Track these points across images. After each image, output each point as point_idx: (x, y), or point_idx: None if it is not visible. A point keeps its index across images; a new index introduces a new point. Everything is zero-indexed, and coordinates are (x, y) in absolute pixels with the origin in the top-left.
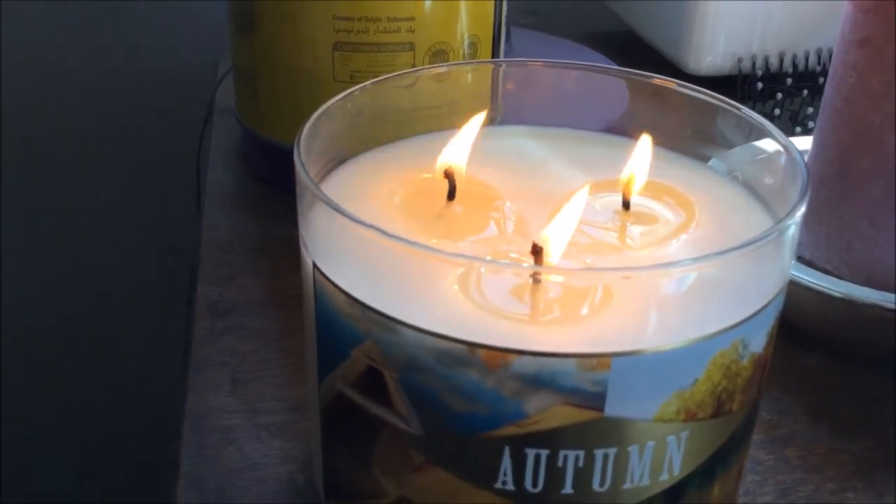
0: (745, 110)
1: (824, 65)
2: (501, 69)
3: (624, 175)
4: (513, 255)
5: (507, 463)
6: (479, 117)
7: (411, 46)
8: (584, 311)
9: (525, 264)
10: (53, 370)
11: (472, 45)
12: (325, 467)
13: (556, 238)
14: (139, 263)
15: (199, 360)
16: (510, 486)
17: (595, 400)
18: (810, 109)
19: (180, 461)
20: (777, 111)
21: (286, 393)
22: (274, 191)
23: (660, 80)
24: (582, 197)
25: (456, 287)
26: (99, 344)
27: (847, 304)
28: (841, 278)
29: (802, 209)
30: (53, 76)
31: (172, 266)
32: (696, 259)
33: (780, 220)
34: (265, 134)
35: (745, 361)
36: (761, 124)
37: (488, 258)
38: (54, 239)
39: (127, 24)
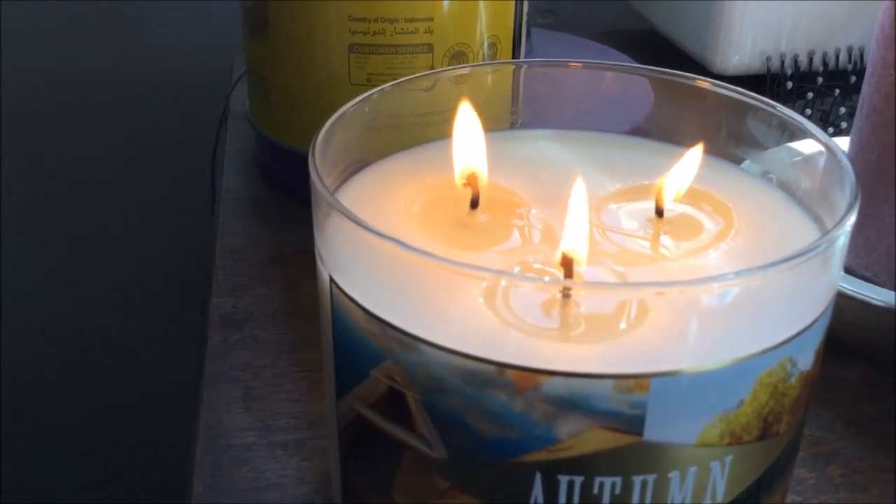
0: (781, 108)
1: (855, 63)
2: (523, 70)
3: (662, 181)
4: (537, 265)
5: (538, 490)
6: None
7: (430, 48)
8: (620, 326)
9: (555, 278)
10: (63, 380)
11: (492, 45)
12: (344, 491)
13: (578, 245)
14: (154, 271)
15: (212, 374)
16: None
17: (633, 423)
18: (842, 109)
19: (193, 481)
20: (808, 111)
21: (302, 409)
22: (288, 197)
23: (694, 79)
24: (581, 191)
25: (481, 302)
26: (111, 354)
27: (888, 313)
28: (881, 286)
29: (853, 217)
30: (67, 79)
31: (187, 275)
32: (739, 273)
33: (830, 231)
34: (279, 138)
35: (793, 381)
36: (800, 123)
37: (516, 271)
38: (66, 245)
39: (141, 27)
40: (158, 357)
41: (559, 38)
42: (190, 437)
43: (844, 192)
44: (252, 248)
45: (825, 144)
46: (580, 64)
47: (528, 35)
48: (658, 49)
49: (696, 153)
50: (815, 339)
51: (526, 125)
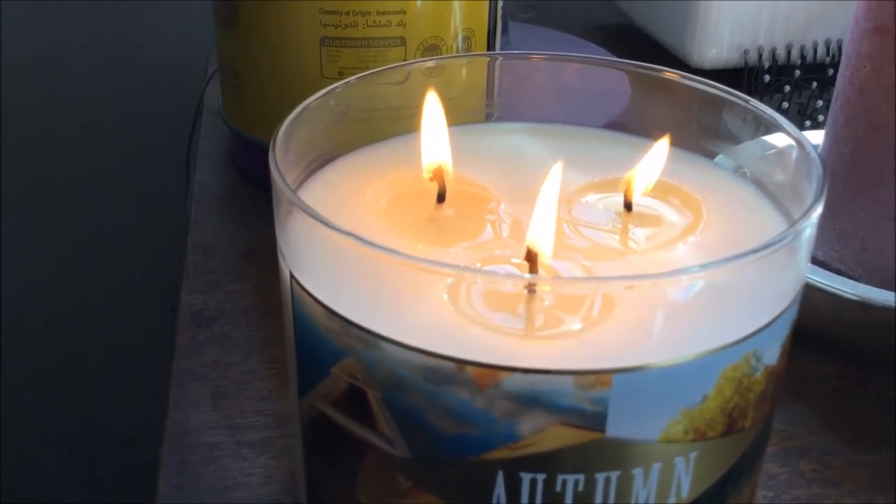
0: (754, 102)
1: (833, 56)
2: (497, 63)
3: (630, 175)
4: (512, 260)
5: (500, 488)
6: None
7: (402, 41)
8: (583, 322)
9: (518, 273)
10: (34, 377)
11: (467, 39)
12: (309, 490)
13: (543, 238)
14: (128, 268)
15: (180, 372)
16: None
17: (595, 420)
18: (820, 102)
19: (158, 480)
20: (785, 104)
21: (271, 407)
22: (262, 192)
23: (667, 72)
24: (554, 184)
25: (445, 298)
26: (82, 351)
27: (862, 307)
28: (856, 279)
29: (819, 209)
30: (41, 77)
31: (162, 271)
32: (704, 266)
33: (796, 222)
34: (251, 133)
35: (758, 375)
36: (772, 118)
37: (478, 267)
38: (39, 242)
39: (116, 23)
40: (132, 355)
41: (538, 33)
42: (158, 435)
43: (812, 186)
44: (225, 245)
45: (795, 138)
46: (554, 56)
47: (506, 29)
48: (637, 44)
49: (662, 146)
50: (781, 333)
51: (502, 119)
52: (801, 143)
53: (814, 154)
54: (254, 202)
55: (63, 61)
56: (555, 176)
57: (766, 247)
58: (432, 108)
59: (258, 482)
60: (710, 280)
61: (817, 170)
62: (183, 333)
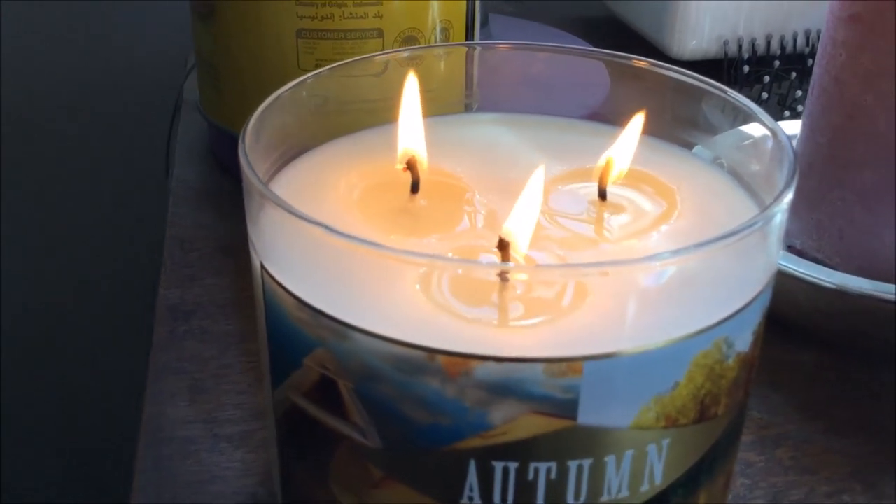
0: (731, 93)
1: (813, 46)
2: (476, 53)
3: (600, 162)
4: (483, 252)
5: (473, 477)
6: (413, 100)
7: (380, 33)
8: (555, 311)
9: (489, 262)
10: (11, 372)
11: (445, 31)
12: (283, 482)
13: (520, 230)
14: (107, 263)
15: (157, 367)
16: (478, 502)
17: (567, 408)
18: (799, 92)
19: (134, 475)
20: (765, 95)
21: (249, 400)
22: (240, 186)
23: (640, 61)
24: (538, 180)
25: (415, 289)
26: (59, 345)
27: (840, 295)
28: (833, 268)
29: (790, 196)
30: (21, 71)
31: (142, 266)
32: (675, 252)
33: (766, 208)
34: (229, 126)
35: (730, 362)
36: (747, 107)
37: (449, 256)
38: (16, 236)
39: (96, 18)
40: (110, 349)
41: (519, 25)
42: (134, 430)
43: (783, 172)
44: (202, 239)
45: (769, 127)
46: (533, 46)
47: (487, 21)
48: (619, 36)
49: (635, 127)
50: (753, 319)
51: (482, 109)
52: (774, 132)
53: (786, 141)
54: (232, 196)
55: (42, 56)
56: (539, 172)
57: (736, 232)
58: (409, 97)
59: (235, 476)
60: (681, 266)
61: (788, 156)
62: (160, 328)
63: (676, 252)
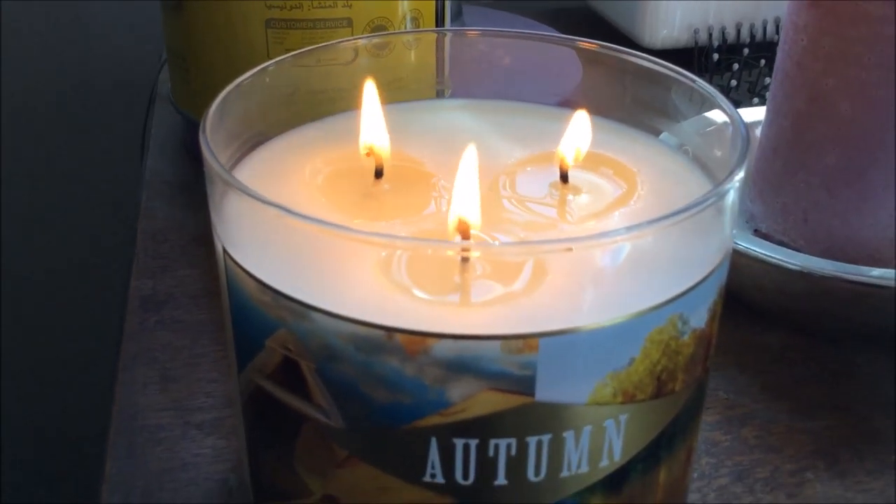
0: (698, 81)
1: None
2: (446, 38)
3: (561, 146)
4: (439, 233)
5: (434, 455)
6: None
7: (349, 22)
8: (513, 289)
9: (448, 241)
10: None
11: (414, 20)
12: (251, 466)
13: (471, 210)
14: (81, 255)
15: (128, 356)
16: (440, 479)
17: (524, 384)
18: (768, 80)
19: (106, 463)
20: (734, 82)
21: (220, 388)
22: None
23: (609, 48)
24: (471, 157)
25: (375, 270)
26: (31, 334)
27: (804, 276)
28: (798, 251)
29: (741, 173)
30: None
31: (117, 258)
32: (629, 228)
33: (719, 184)
34: (199, 117)
35: (685, 338)
36: (710, 94)
37: (406, 237)
38: None
39: (70, 10)
40: (83, 339)
41: (491, 15)
42: (105, 418)
43: (736, 149)
44: (175, 230)
45: (726, 111)
46: (502, 33)
47: (460, 12)
48: (592, 26)
49: (583, 114)
50: (708, 296)
51: (454, 97)
52: (731, 117)
53: (739, 119)
54: (204, 187)
55: (16, 48)
56: (473, 151)
57: (689, 208)
58: (369, 84)
59: (206, 462)
60: (636, 244)
61: (741, 133)
62: (132, 318)
63: (631, 228)
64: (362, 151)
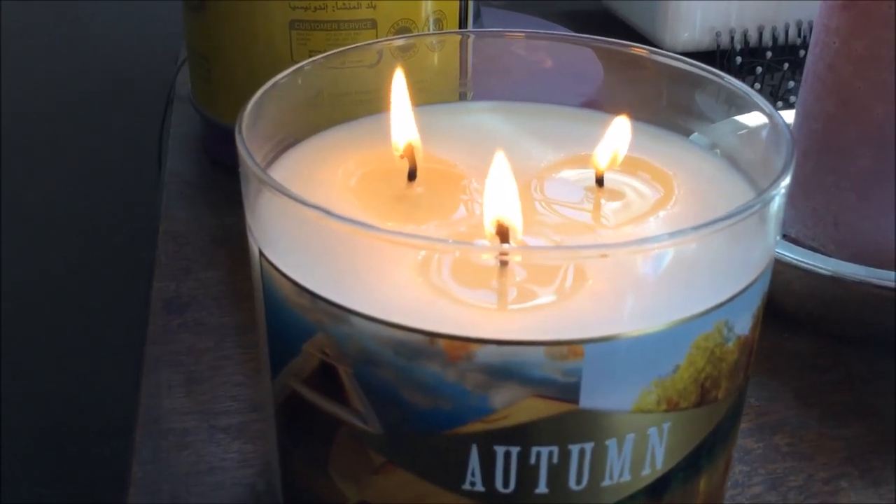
0: (728, 78)
1: (805, 37)
2: (469, 40)
3: (596, 149)
4: (481, 238)
5: (474, 462)
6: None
7: (373, 24)
8: (555, 295)
9: (490, 245)
10: (7, 366)
11: (438, 21)
12: (283, 471)
13: (512, 213)
14: (101, 257)
15: (152, 359)
16: (479, 487)
17: (568, 391)
18: (791, 83)
19: (132, 467)
20: (757, 86)
21: (244, 392)
22: (233, 179)
23: (639, 48)
24: (502, 162)
25: (414, 273)
26: (54, 340)
27: (835, 281)
28: (828, 255)
29: (788, 179)
30: (13, 65)
31: (135, 260)
32: (672, 234)
33: (764, 191)
34: (221, 119)
35: (730, 345)
36: (744, 93)
37: (449, 240)
38: (11, 231)
39: (87, 11)
40: (105, 343)
41: (510, 17)
42: (131, 422)
43: (781, 155)
44: (196, 232)
45: (767, 112)
46: (528, 34)
47: (479, 14)
48: (610, 28)
49: (624, 121)
50: (752, 302)
51: (477, 98)
52: (771, 117)
53: (783, 125)
54: (225, 189)
55: (34, 49)
56: (502, 155)
57: (734, 215)
58: (400, 86)
59: (232, 467)
60: (680, 249)
61: (786, 140)
62: (155, 320)
63: (674, 234)
64: (396, 153)
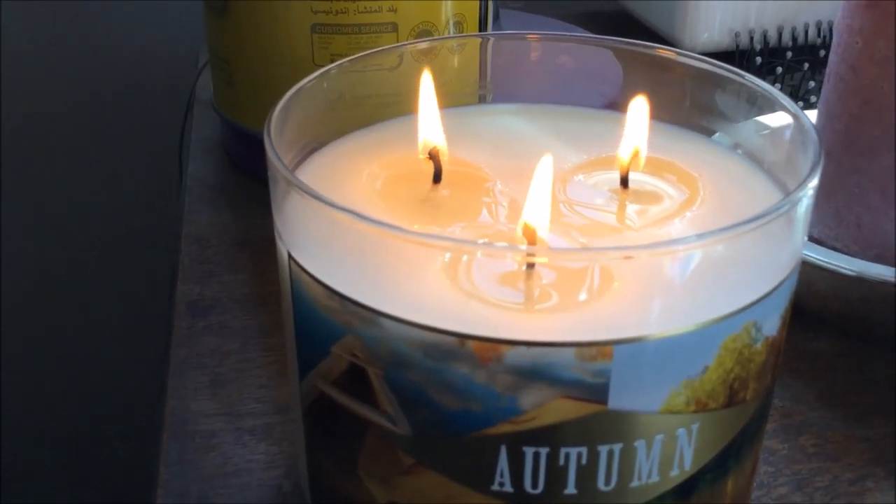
0: (752, 78)
1: (825, 37)
2: (490, 44)
3: (620, 150)
4: (508, 239)
5: (503, 463)
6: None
7: (394, 27)
8: (583, 296)
9: (519, 247)
10: (30, 370)
11: (458, 24)
12: (311, 472)
13: (541, 217)
14: (123, 261)
15: (177, 361)
16: (508, 488)
17: (597, 392)
18: (812, 83)
19: (159, 468)
20: (777, 86)
21: (269, 394)
22: (254, 181)
23: (663, 50)
24: (547, 166)
25: (443, 275)
26: (78, 343)
27: (859, 282)
28: (850, 256)
29: (816, 180)
30: (32, 70)
31: (157, 264)
32: (701, 236)
33: (792, 192)
34: (243, 123)
35: (758, 346)
36: (767, 92)
37: (479, 241)
38: (34, 234)
39: (106, 15)
40: (129, 346)
41: (529, 19)
42: (157, 424)
43: (808, 157)
44: (218, 235)
45: (792, 112)
46: (548, 36)
47: (497, 16)
48: (628, 29)
49: (641, 117)
50: (781, 303)
51: (497, 101)
52: (797, 117)
53: (809, 125)
54: (246, 192)
55: (53, 54)
56: (547, 158)
57: (762, 217)
58: (427, 89)
59: (259, 468)
60: (709, 251)
61: (813, 140)
62: (179, 323)
63: (702, 236)
64: (422, 155)
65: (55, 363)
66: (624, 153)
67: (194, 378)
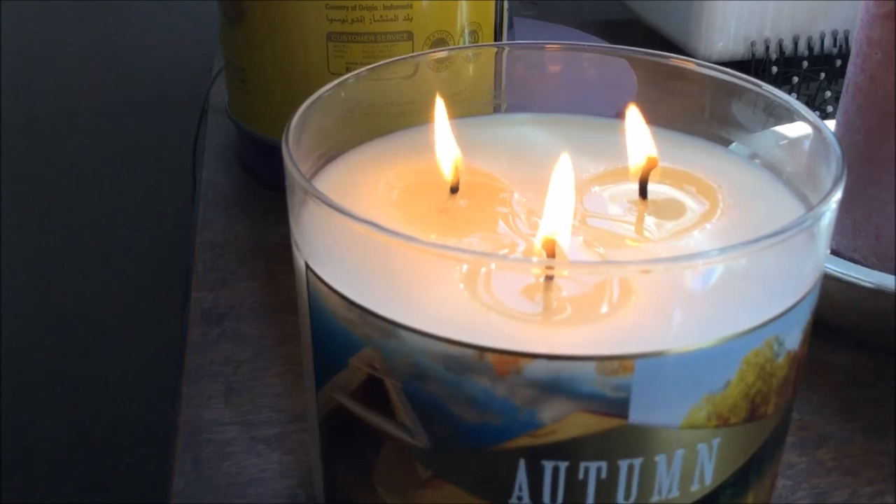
0: (770, 88)
1: (840, 47)
2: (504, 53)
3: (638, 161)
4: (519, 250)
5: (522, 477)
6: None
7: (410, 35)
8: (603, 309)
9: (539, 259)
10: (45, 377)
11: (473, 33)
12: (326, 483)
13: (562, 228)
14: (137, 268)
15: (192, 369)
16: (527, 502)
17: (617, 406)
18: (828, 93)
19: (173, 477)
20: (794, 96)
21: (285, 403)
22: (269, 190)
23: (681, 60)
24: (567, 174)
25: (462, 287)
26: (93, 351)
27: (878, 294)
28: (870, 268)
29: (839, 193)
30: (46, 76)
31: (171, 271)
32: (723, 250)
33: (816, 206)
34: (258, 131)
35: (780, 360)
36: (787, 102)
37: (500, 253)
38: (49, 242)
39: (121, 23)
40: (143, 353)
41: (543, 28)
42: (171, 433)
43: (830, 170)
44: (233, 242)
45: (812, 122)
46: (564, 46)
47: (511, 25)
48: (642, 38)
49: (640, 126)
50: (802, 318)
51: (511, 110)
52: (817, 128)
53: (831, 137)
54: (260, 200)
55: (68, 61)
56: (566, 165)
57: (785, 230)
58: (442, 103)
59: (273, 478)
60: (731, 265)
61: (835, 153)
62: (194, 331)
63: (724, 250)
64: (441, 167)
65: (70, 371)
66: (635, 159)
67: (208, 386)
